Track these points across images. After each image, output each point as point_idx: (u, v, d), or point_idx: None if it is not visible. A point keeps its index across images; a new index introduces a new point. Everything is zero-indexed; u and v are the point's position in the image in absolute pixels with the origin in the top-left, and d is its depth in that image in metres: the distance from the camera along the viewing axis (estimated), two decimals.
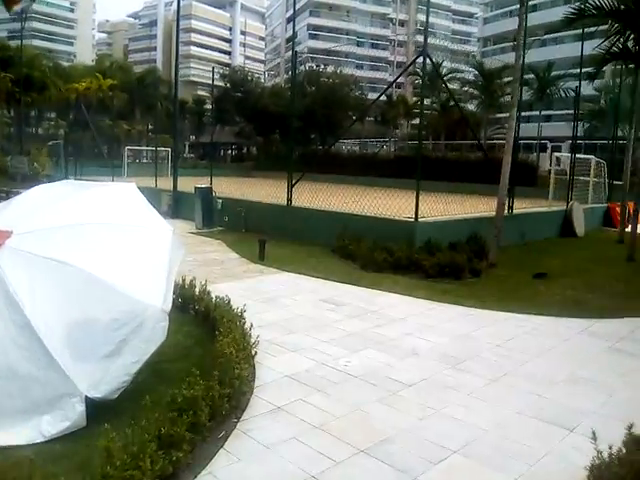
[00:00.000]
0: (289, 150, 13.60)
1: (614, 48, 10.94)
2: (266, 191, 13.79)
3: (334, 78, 47.54)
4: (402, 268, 9.00)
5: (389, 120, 57.53)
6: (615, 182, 18.42)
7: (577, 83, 40.00)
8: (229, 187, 15.24)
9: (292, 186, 11.93)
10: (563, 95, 36.97)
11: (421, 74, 46.83)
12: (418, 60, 13.65)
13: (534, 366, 5.18)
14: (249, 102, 47.50)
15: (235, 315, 5.50)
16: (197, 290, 6.38)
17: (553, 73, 38.87)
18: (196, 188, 13.56)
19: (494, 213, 11.64)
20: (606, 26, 13.33)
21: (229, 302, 5.86)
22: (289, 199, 12.02)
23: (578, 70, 42.03)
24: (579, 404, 4.39)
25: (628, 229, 13.85)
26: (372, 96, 55.09)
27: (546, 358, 5.40)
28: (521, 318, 6.74)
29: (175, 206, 15.49)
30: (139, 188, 5.07)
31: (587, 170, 16.18)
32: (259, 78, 56.54)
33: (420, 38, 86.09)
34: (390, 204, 10.87)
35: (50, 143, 28.96)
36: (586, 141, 35.39)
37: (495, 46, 61.55)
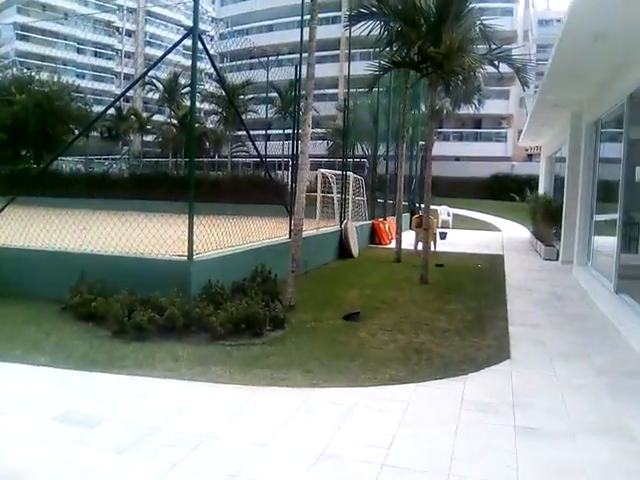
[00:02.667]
0: None
1: (396, 57, 10.08)
2: None
3: (50, 85, 40.90)
4: (179, 330, 6.22)
5: (118, 135, 52.69)
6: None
7: (316, 103, 41.82)
8: None
9: None
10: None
11: (156, 86, 43.71)
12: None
13: None
14: None
15: None
16: None
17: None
18: None
19: (280, 239, 9.72)
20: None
21: None
22: None
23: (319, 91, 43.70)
24: None
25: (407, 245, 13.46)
26: (97, 108, 49.61)
27: (466, 472, 3.37)
28: (354, 400, 4.65)
29: None
30: None
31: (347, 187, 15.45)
32: None
33: (150, 50, 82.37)
34: (142, 235, 7.94)
35: None
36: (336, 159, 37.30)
37: (232, 63, 61.54)
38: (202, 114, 50.38)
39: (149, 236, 7.95)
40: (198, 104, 45.45)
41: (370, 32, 10.07)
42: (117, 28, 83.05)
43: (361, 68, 16.46)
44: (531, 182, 37.08)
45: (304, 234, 10.97)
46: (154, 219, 8.78)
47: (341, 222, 13.36)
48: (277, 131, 41.57)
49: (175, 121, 41.31)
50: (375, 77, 11.03)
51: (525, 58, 9.40)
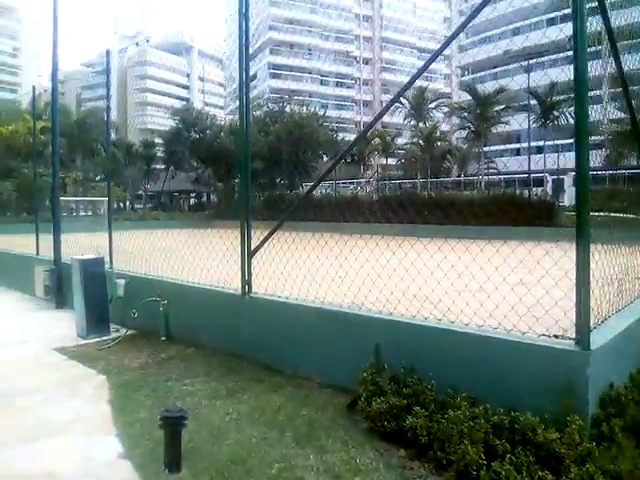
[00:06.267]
0: (243, 196, 6.47)
1: None
2: (217, 254, 7.65)
3: (300, 113, 42.45)
4: None
5: (361, 160, 53.02)
6: None
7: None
8: (158, 244, 8.80)
9: (251, 256, 5.82)
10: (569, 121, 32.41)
11: (401, 104, 42.16)
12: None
13: None
14: (205, 142, 41.82)
15: None
16: None
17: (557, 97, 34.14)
18: (73, 260, 7.32)
19: None
20: None
21: None
22: (246, 282, 5.85)
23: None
24: None
25: None
26: (341, 135, 50.43)
27: None
28: None
29: (59, 287, 9.21)
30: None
31: None
32: (215, 116, 51.04)
33: (387, 76, 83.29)
34: (448, 280, 4.98)
35: None
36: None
37: (475, 75, 57.47)
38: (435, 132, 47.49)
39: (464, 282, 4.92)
40: (443, 117, 42.44)
41: None
42: (355, 57, 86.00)
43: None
44: None
45: None
46: (430, 248, 5.78)
47: None
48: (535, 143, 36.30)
49: (420, 141, 38.94)
50: None
51: None
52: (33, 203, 35.29)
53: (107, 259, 8.08)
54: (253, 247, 5.84)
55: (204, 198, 54.93)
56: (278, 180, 41.74)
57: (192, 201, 56.05)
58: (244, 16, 6.04)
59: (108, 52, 9.73)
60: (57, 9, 9.78)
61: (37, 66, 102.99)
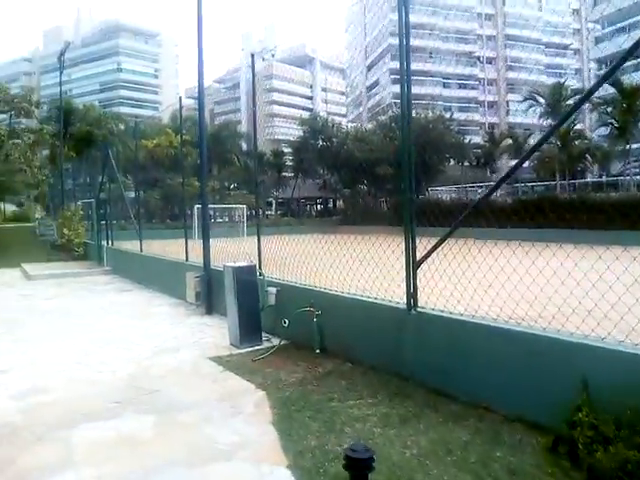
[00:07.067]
0: (406, 203, 5.69)
1: None
2: (355, 260, 7.19)
3: (426, 117, 41.39)
4: None
5: (487, 163, 50.67)
6: None
7: None
8: (297, 249, 8.37)
9: (417, 267, 5.23)
10: None
11: (536, 101, 39.61)
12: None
13: None
14: (331, 150, 42.25)
15: None
16: None
17: None
18: (226, 268, 7.24)
19: None
20: None
21: None
22: (412, 295, 5.29)
23: None
24: None
25: None
26: (466, 137, 48.49)
27: None
28: None
29: (209, 293, 9.34)
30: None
31: None
32: (340, 124, 51.37)
33: (512, 75, 79.01)
34: None
35: (79, 202, 24.26)
36: None
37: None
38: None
39: None
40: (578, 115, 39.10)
41: None
42: (478, 57, 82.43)
43: None
44: None
45: None
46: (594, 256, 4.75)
47: None
48: None
49: (557, 140, 36.14)
50: None
51: None
52: (177, 211, 38.07)
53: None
54: (419, 257, 5.30)
55: (330, 204, 55.56)
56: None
57: (318, 207, 56.88)
58: (403, 3, 5.54)
59: (252, 55, 9.84)
60: (202, 27, 10.02)
61: (175, 85, 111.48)
